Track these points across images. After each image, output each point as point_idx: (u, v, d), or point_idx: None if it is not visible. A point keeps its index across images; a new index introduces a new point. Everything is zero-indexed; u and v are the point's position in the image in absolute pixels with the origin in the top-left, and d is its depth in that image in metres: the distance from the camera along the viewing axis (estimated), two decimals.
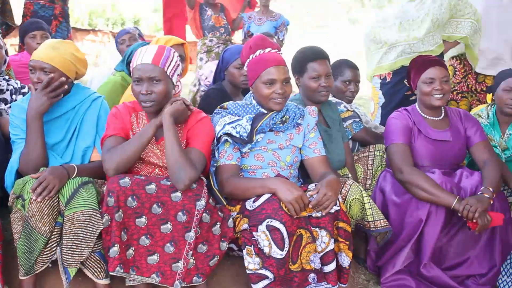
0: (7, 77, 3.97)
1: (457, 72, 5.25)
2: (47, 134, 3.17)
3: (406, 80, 4.60)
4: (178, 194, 2.84)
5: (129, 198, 2.80)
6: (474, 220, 3.16)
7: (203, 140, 3.11)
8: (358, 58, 5.09)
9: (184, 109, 3.08)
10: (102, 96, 3.42)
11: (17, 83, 3.95)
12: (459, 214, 3.22)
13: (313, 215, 2.97)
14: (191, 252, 2.86)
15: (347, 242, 3.02)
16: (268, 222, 2.82)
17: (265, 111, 3.24)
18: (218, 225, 2.93)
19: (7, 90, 3.84)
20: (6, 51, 3.89)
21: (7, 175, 3.12)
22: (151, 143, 3.11)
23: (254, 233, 2.87)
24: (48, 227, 2.82)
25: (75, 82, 3.38)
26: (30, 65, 3.16)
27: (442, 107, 3.68)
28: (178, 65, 3.10)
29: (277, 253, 2.81)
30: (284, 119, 3.24)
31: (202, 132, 3.13)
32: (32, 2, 6.04)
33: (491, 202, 3.25)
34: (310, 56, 3.59)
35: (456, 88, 5.18)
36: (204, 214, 2.87)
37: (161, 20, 9.00)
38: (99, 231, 2.82)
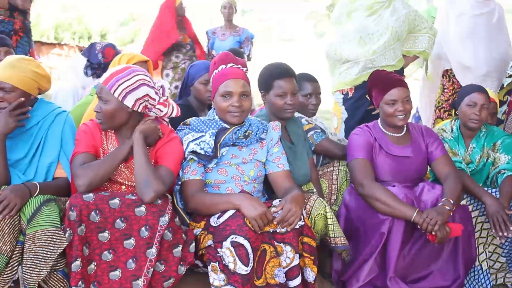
0: None
1: (445, 90, 5.34)
2: (10, 151, 3.13)
3: (367, 95, 4.68)
4: (142, 209, 2.83)
5: (92, 213, 2.78)
6: (434, 232, 3.20)
7: (171, 158, 3.12)
8: (326, 71, 5.12)
9: (155, 127, 3.10)
10: (66, 111, 3.38)
11: None
12: (419, 227, 3.26)
13: (278, 231, 2.97)
14: (151, 269, 2.84)
15: (312, 257, 3.03)
16: (232, 238, 2.82)
17: (228, 126, 3.25)
18: (180, 248, 2.91)
19: None
20: None
21: None
22: None
23: (219, 249, 2.86)
24: (9, 246, 2.78)
25: (39, 96, 3.35)
26: None
27: None
28: (135, 88, 3.05)
29: (242, 269, 2.81)
30: (247, 133, 3.25)
31: (171, 150, 3.14)
32: None
33: (451, 214, 3.30)
34: (277, 73, 3.61)
35: (444, 105, 5.26)
36: (166, 231, 2.85)
37: (128, 33, 8.97)
38: (62, 248, 2.77)
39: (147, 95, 3.07)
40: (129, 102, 3.04)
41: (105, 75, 3.06)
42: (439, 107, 5.26)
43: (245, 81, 3.23)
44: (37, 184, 3.00)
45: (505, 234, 3.46)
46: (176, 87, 7.20)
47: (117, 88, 3.01)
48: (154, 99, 3.11)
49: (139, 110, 3.10)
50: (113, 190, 3.10)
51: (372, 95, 3.73)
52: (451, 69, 5.31)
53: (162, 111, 3.17)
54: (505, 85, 4.53)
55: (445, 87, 5.35)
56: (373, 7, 4.72)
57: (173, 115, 3.23)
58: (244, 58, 6.35)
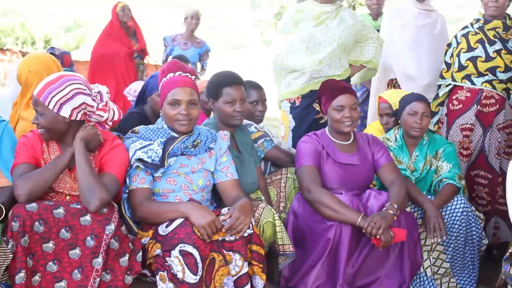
0: None
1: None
2: None
3: (315, 103, 4.73)
4: (87, 218, 2.80)
5: (36, 223, 2.74)
6: (378, 236, 3.25)
7: (116, 165, 3.10)
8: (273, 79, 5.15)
9: (95, 133, 3.07)
10: (6, 120, 3.30)
11: None
12: (363, 231, 3.31)
13: (227, 239, 2.98)
14: (98, 279, 2.80)
15: (260, 265, 3.06)
16: (181, 247, 2.81)
17: (176, 135, 3.24)
18: (127, 257, 2.88)
19: None
20: None
21: None
22: (64, 172, 3.06)
23: (167, 258, 2.85)
24: None
25: None
26: None
27: (351, 132, 3.79)
28: (70, 98, 3.01)
29: (191, 278, 2.80)
30: (195, 143, 3.25)
31: (115, 158, 3.12)
32: None
33: (395, 218, 3.36)
34: (226, 81, 3.63)
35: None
36: (112, 240, 2.82)
37: (72, 39, 8.88)
38: (7, 262, 2.70)
39: (84, 103, 3.04)
40: (65, 112, 3.00)
41: (38, 87, 3.01)
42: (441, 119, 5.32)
43: (193, 89, 3.23)
44: (2, 207, 2.91)
45: (438, 240, 3.59)
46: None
47: (51, 100, 2.97)
48: (92, 106, 3.08)
49: (77, 119, 3.06)
50: (57, 200, 3.05)
51: (321, 101, 3.78)
52: (395, 79, 5.41)
53: (102, 117, 3.13)
54: (440, 95, 4.64)
55: None
56: (320, 17, 4.77)
57: (115, 118, 3.21)
58: (189, 65, 6.32)
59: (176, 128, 3.20)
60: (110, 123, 3.25)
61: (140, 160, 3.12)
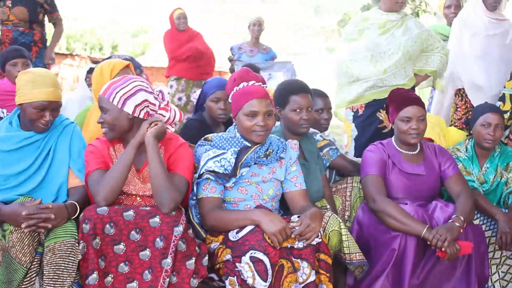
0: None
1: (458, 109, 5.36)
2: (15, 162, 3.16)
3: (378, 113, 4.71)
4: (157, 219, 2.86)
5: (107, 225, 2.82)
6: (443, 249, 3.22)
7: (184, 165, 3.16)
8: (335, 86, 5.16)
9: (165, 130, 3.14)
10: (74, 122, 3.42)
11: (3, 112, 3.95)
12: (428, 243, 3.27)
13: (295, 246, 3.00)
14: (167, 279, 2.86)
15: (327, 274, 3.05)
16: (251, 253, 2.84)
17: (249, 144, 3.27)
18: (193, 260, 2.93)
19: None
20: None
21: None
22: (132, 173, 3.14)
23: (237, 264, 2.89)
24: (28, 258, 2.82)
25: None
26: (42, 104, 3.11)
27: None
28: (133, 94, 3.11)
29: (261, 284, 2.82)
30: (267, 152, 3.28)
31: (183, 157, 3.17)
32: (11, 29, 6.05)
33: (461, 231, 3.31)
34: (293, 89, 3.65)
35: (456, 124, 5.28)
36: (180, 242, 2.88)
37: (138, 45, 9.07)
38: (77, 260, 2.82)
39: (146, 100, 3.12)
40: (128, 108, 3.09)
41: (104, 87, 3.14)
42: (452, 125, 5.27)
43: (268, 99, 3.26)
44: (77, 205, 3.02)
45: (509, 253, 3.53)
46: (179, 99, 7.26)
47: (115, 96, 3.08)
48: (154, 104, 3.16)
49: (140, 116, 3.14)
50: (128, 202, 3.14)
51: (389, 111, 3.77)
52: (463, 88, 5.33)
53: (164, 116, 3.21)
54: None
55: (457, 106, 5.37)
56: (386, 26, 4.76)
57: (176, 119, 3.27)
58: (259, 73, 6.37)
59: (252, 138, 3.23)
60: (175, 126, 3.32)
61: (211, 171, 3.15)
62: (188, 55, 7.52)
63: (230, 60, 7.73)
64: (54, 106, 3.16)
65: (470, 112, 5.15)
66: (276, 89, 3.77)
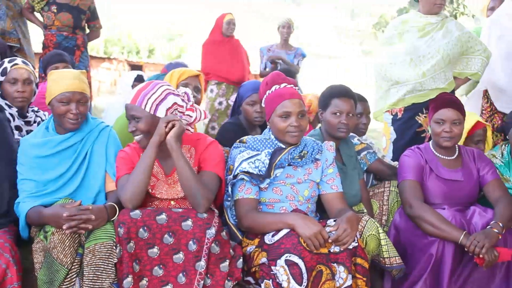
0: (36, 108, 4.06)
1: (483, 111, 5.29)
2: (52, 166, 3.22)
3: (417, 116, 4.67)
4: (189, 222, 2.89)
5: (141, 229, 2.86)
6: (481, 256, 3.18)
7: (214, 162, 3.18)
8: (372, 89, 5.14)
9: (184, 128, 3.13)
10: (109, 126, 3.47)
11: (45, 115, 4.03)
12: (466, 249, 3.24)
13: (331, 251, 2.99)
14: (202, 282, 2.88)
15: (364, 279, 3.03)
16: (287, 257, 2.85)
17: (283, 146, 3.29)
18: (227, 262, 2.94)
19: (35, 122, 3.93)
20: (36, 84, 3.97)
21: (21, 221, 3.15)
22: (161, 177, 3.19)
23: (272, 267, 2.89)
24: (69, 259, 2.87)
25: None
26: (66, 96, 3.19)
27: (456, 146, 3.72)
28: (163, 99, 3.13)
29: None
30: (302, 154, 3.28)
31: (213, 155, 3.20)
32: (54, 34, 6.18)
33: (500, 237, 3.26)
34: (336, 92, 3.66)
35: None
36: (213, 245, 2.89)
37: (175, 48, 9.10)
38: (115, 262, 2.87)
39: (175, 103, 3.15)
40: (160, 113, 3.11)
41: (130, 96, 3.14)
42: None
43: (300, 100, 3.28)
44: (116, 207, 3.06)
45: None
46: (219, 103, 7.29)
47: (146, 103, 3.09)
48: (182, 106, 3.18)
49: (187, 119, 3.18)
50: (162, 207, 3.16)
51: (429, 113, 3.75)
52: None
53: (191, 117, 3.23)
54: None
55: (483, 108, 5.30)
56: (425, 29, 4.72)
57: (202, 119, 3.29)
58: (296, 77, 6.38)
59: (287, 139, 3.24)
60: (192, 129, 3.33)
61: (246, 172, 3.19)
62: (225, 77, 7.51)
63: (272, 61, 7.71)
64: (78, 98, 3.20)
65: (496, 115, 5.09)
66: (321, 93, 3.78)
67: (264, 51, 7.88)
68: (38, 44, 6.65)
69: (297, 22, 8.18)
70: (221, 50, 7.48)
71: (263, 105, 3.40)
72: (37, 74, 4.03)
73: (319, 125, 3.86)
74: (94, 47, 21.17)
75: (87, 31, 6.59)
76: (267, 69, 7.68)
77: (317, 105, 5.19)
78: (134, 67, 19.15)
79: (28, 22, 6.42)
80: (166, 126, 3.04)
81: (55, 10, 6.16)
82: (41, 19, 6.38)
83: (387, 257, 3.23)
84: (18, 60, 3.91)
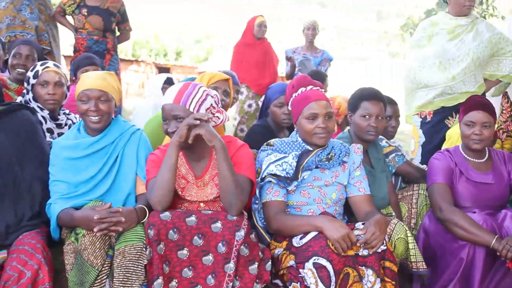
0: (67, 111, 4.11)
1: (504, 111, 5.22)
2: (83, 169, 3.27)
3: (447, 120, 4.63)
4: (218, 224, 2.89)
5: (170, 231, 2.87)
6: None
7: (246, 166, 3.17)
8: (400, 91, 5.11)
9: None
10: (140, 129, 3.50)
11: (76, 118, 4.08)
12: (498, 254, 3.20)
13: (360, 254, 2.98)
14: (231, 284, 2.88)
15: (393, 282, 3.01)
16: (315, 259, 2.84)
17: (311, 148, 3.29)
18: (256, 265, 2.94)
19: (66, 124, 3.98)
20: (67, 87, 4.02)
21: (53, 222, 3.19)
22: (191, 179, 3.20)
23: (300, 270, 2.89)
24: (100, 260, 2.90)
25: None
26: (85, 94, 3.24)
27: (486, 149, 3.69)
28: (204, 99, 3.15)
29: None
30: (329, 156, 3.28)
31: (244, 158, 3.19)
32: (85, 38, 6.24)
33: None
34: (365, 95, 3.65)
35: (502, 126, 5.15)
36: (242, 247, 2.89)
37: (202, 51, 9.13)
38: (145, 264, 2.89)
39: (211, 104, 3.17)
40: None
41: (171, 96, 3.11)
42: (498, 128, 5.14)
43: (327, 102, 3.28)
44: (146, 210, 3.09)
45: None
46: (249, 106, 7.31)
47: (191, 103, 3.09)
48: (215, 107, 3.20)
49: (215, 120, 3.20)
50: (192, 209, 3.17)
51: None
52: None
53: (219, 119, 3.24)
54: None
55: (503, 107, 5.22)
56: (455, 31, 4.68)
57: (226, 121, 3.32)
58: (326, 81, 6.36)
59: (314, 141, 3.24)
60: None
61: (273, 175, 3.19)
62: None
63: (294, 65, 7.70)
64: (98, 96, 3.23)
65: None
66: (351, 95, 3.78)
67: (289, 53, 7.88)
68: (69, 47, 6.73)
69: (322, 23, 8.14)
70: (252, 53, 7.51)
71: (289, 108, 3.41)
72: (68, 77, 4.07)
73: (348, 128, 3.85)
74: (122, 50, 21.36)
75: (117, 33, 6.65)
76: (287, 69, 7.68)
77: (346, 107, 5.20)
78: (162, 69, 19.30)
79: (58, 25, 6.50)
80: (187, 129, 3.03)
81: (86, 13, 6.22)
82: (72, 22, 6.45)
83: (414, 261, 3.22)
84: (50, 63, 3.96)
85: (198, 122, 2.97)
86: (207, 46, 26.62)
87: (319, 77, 5.63)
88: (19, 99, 4.04)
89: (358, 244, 2.95)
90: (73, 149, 3.28)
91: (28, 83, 3.92)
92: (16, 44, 4.69)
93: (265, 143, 3.42)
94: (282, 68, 8.45)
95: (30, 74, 3.92)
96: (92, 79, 3.28)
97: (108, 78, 3.32)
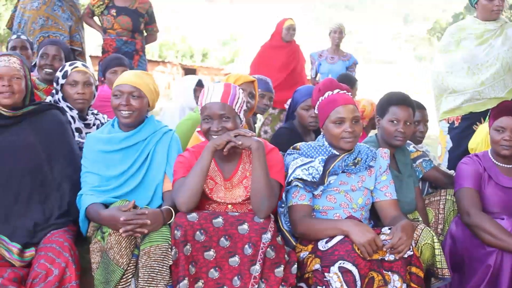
0: (95, 111, 4.16)
1: None
2: (114, 164, 3.31)
3: (475, 125, 4.59)
4: (245, 226, 2.90)
5: (197, 232, 2.88)
6: None
7: (276, 170, 3.16)
8: (426, 95, 5.08)
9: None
10: (172, 130, 3.53)
11: (104, 117, 4.13)
12: None
13: (386, 259, 2.96)
14: (256, 286, 2.88)
15: None
16: (340, 263, 2.84)
17: (337, 153, 3.27)
18: (282, 268, 2.93)
19: (94, 124, 4.03)
20: (96, 86, 4.07)
21: (81, 214, 3.23)
22: (219, 181, 3.20)
23: (326, 273, 2.88)
24: (125, 260, 2.92)
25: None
26: (118, 90, 3.30)
27: None
28: (244, 101, 3.19)
29: None
30: (356, 161, 3.27)
31: (274, 162, 3.18)
32: (114, 39, 6.29)
33: None
34: (394, 99, 3.63)
35: None
36: (268, 249, 2.89)
37: (228, 53, 9.12)
38: (170, 264, 2.91)
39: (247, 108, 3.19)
40: (241, 115, 3.17)
41: (217, 95, 3.11)
42: None
43: (354, 106, 3.27)
44: (172, 211, 3.10)
45: None
46: (273, 108, 7.31)
47: (237, 102, 3.13)
48: (246, 111, 3.22)
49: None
50: (219, 210, 3.18)
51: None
52: None
53: (242, 121, 3.27)
54: None
55: None
56: (484, 36, 4.64)
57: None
58: (356, 85, 6.34)
59: (341, 145, 3.23)
60: None
61: (299, 179, 3.19)
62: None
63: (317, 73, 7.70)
64: (129, 91, 3.27)
65: None
66: (379, 99, 3.77)
67: (315, 56, 7.86)
68: (96, 48, 6.79)
69: (349, 27, 8.11)
70: (278, 56, 7.50)
71: (316, 111, 3.40)
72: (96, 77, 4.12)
73: (372, 131, 3.83)
74: (149, 51, 21.51)
75: (145, 34, 6.69)
76: None
77: (370, 111, 5.17)
78: (188, 70, 19.42)
79: (85, 26, 6.56)
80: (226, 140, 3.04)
81: (115, 14, 6.27)
82: (99, 23, 6.51)
83: (440, 268, 3.19)
84: (78, 63, 4.01)
85: (240, 142, 3.01)
86: (233, 48, 26.72)
87: (349, 82, 5.61)
88: (48, 99, 4.10)
89: (384, 249, 2.94)
90: (106, 143, 3.33)
91: (57, 83, 3.98)
92: (43, 45, 4.73)
93: (291, 147, 3.42)
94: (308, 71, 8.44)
95: (59, 74, 3.98)
96: (127, 76, 3.35)
97: (144, 78, 3.37)
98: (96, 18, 6.51)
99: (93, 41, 6.62)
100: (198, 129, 3.80)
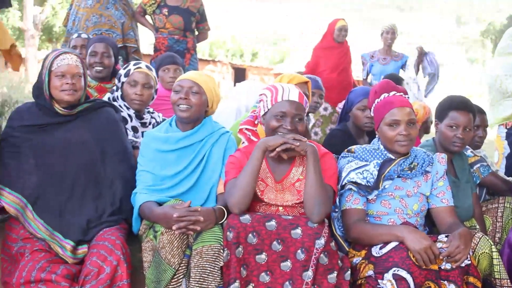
0: (151, 110, 4.18)
1: None
2: (171, 163, 3.31)
3: None
4: (298, 231, 2.85)
5: (250, 235, 2.85)
6: None
7: (329, 174, 3.13)
8: (478, 98, 4.97)
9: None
10: (230, 132, 3.52)
11: (159, 116, 4.14)
12: None
13: (442, 267, 2.89)
14: None
15: None
16: (394, 270, 2.77)
17: (393, 157, 3.21)
18: (335, 274, 2.88)
19: (150, 123, 4.04)
20: (155, 90, 4.07)
21: (135, 212, 3.24)
22: (271, 183, 3.18)
23: (379, 280, 2.82)
24: (177, 259, 2.92)
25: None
26: (178, 84, 3.33)
27: None
28: (307, 103, 3.20)
29: None
30: (412, 165, 3.20)
31: (328, 167, 3.15)
32: (166, 37, 6.33)
33: None
34: (454, 104, 3.55)
35: None
36: (322, 255, 2.84)
37: (278, 53, 9.11)
38: (221, 265, 2.89)
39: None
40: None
41: (294, 94, 3.12)
42: None
43: (410, 108, 3.20)
44: (224, 210, 3.08)
45: None
46: (325, 109, 7.25)
47: (307, 106, 3.19)
48: None
49: None
50: (270, 212, 3.14)
51: None
52: None
53: None
54: None
55: None
56: None
57: None
58: (403, 84, 6.26)
59: (396, 149, 3.18)
60: None
61: (353, 182, 3.14)
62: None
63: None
64: (188, 86, 3.31)
65: None
66: (439, 103, 3.69)
67: (366, 57, 7.79)
68: (148, 46, 6.84)
69: (400, 28, 8.01)
70: (330, 56, 7.46)
71: (371, 114, 3.35)
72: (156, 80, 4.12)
73: (425, 135, 3.75)
74: (199, 49, 21.71)
75: (196, 33, 6.72)
76: None
77: (423, 114, 5.08)
78: (238, 70, 19.52)
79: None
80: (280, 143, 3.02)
81: (166, 13, 6.31)
82: (151, 22, 6.55)
83: (499, 278, 3.10)
84: (142, 64, 4.02)
85: (297, 143, 2.98)
86: (283, 48, 26.72)
87: (395, 82, 5.53)
88: (107, 95, 4.12)
89: (440, 257, 2.87)
90: (163, 142, 3.35)
91: (119, 81, 4.00)
92: (92, 43, 4.75)
93: (346, 150, 3.37)
94: (357, 72, 8.36)
95: (122, 72, 4.00)
96: (189, 73, 3.40)
97: (206, 78, 3.39)
98: (148, 17, 6.56)
99: (145, 39, 6.65)
100: (241, 127, 3.79)
